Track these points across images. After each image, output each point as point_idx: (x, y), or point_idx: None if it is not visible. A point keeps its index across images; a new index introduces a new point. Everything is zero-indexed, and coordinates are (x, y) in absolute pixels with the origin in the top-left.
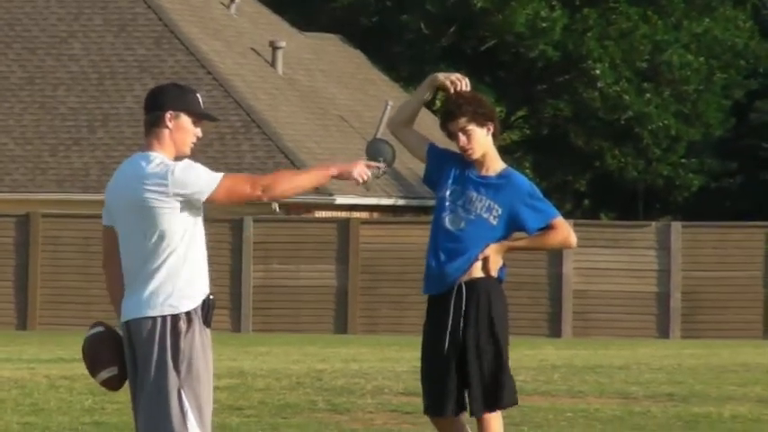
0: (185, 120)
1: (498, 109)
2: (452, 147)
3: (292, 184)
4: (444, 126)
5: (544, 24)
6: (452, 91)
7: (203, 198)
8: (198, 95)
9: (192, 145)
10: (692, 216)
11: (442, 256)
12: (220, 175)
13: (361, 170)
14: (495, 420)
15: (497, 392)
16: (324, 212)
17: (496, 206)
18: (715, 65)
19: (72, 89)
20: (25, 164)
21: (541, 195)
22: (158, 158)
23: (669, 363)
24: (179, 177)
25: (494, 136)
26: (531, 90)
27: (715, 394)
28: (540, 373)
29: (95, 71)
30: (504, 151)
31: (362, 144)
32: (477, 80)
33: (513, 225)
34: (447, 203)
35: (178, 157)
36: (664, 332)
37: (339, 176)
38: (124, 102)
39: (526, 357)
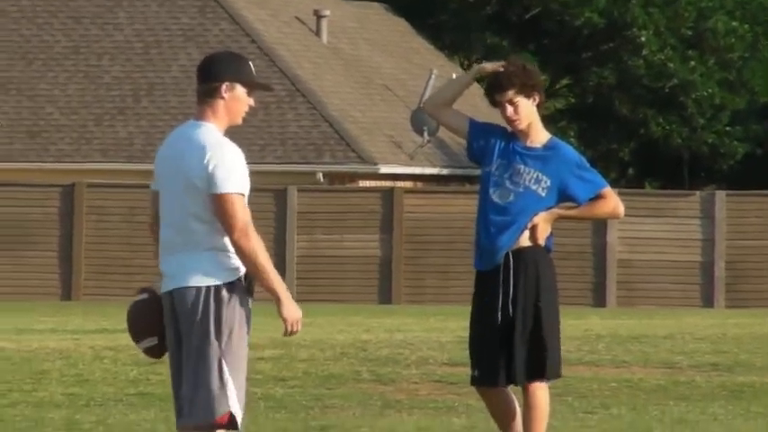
0: (240, 90)
1: (543, 77)
2: (493, 118)
3: (260, 259)
4: (490, 95)
5: None
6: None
7: (213, 191)
8: (250, 64)
9: (245, 114)
10: (738, 184)
11: (492, 230)
12: (241, 189)
13: (295, 324)
14: (540, 391)
15: (542, 363)
16: (368, 182)
17: (545, 177)
18: (760, 31)
19: (117, 58)
20: (70, 134)
21: (589, 165)
22: (211, 131)
23: (713, 332)
24: (216, 159)
25: (538, 106)
26: (576, 58)
27: (760, 363)
28: (585, 342)
29: (140, 40)
30: (548, 120)
31: (407, 113)
32: (521, 48)
33: (562, 196)
34: (494, 178)
35: (230, 126)
36: (708, 301)
37: (279, 311)
38: (169, 71)
39: (571, 327)
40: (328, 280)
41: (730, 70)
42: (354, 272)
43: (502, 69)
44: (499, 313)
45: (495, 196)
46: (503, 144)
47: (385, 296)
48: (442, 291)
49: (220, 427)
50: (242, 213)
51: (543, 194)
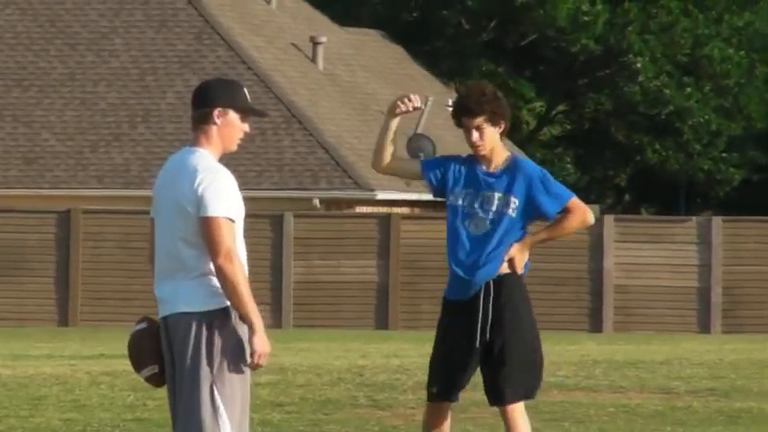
0: (233, 116)
1: (539, 103)
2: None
3: (240, 286)
4: (458, 119)
5: (586, 18)
6: (404, 110)
7: (201, 214)
8: (245, 90)
9: (240, 140)
10: (734, 210)
11: (471, 262)
12: (229, 214)
13: (263, 357)
14: (517, 412)
15: (519, 384)
16: (365, 208)
17: (513, 198)
18: (756, 58)
19: (113, 85)
20: (66, 160)
21: (552, 178)
22: (205, 157)
23: (710, 358)
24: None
25: (501, 134)
26: (572, 84)
27: (757, 389)
28: (582, 368)
29: (136, 67)
30: (544, 146)
31: (403, 139)
32: (517, 75)
33: (531, 213)
34: (464, 210)
35: (226, 153)
36: (705, 327)
37: (251, 340)
38: (165, 98)
39: (568, 352)
40: (325, 306)
41: (726, 97)
42: (351, 297)
43: (403, 98)
44: (477, 340)
45: (470, 228)
46: (464, 171)
47: (382, 322)
48: (438, 316)
49: None
50: (227, 238)
51: (514, 215)
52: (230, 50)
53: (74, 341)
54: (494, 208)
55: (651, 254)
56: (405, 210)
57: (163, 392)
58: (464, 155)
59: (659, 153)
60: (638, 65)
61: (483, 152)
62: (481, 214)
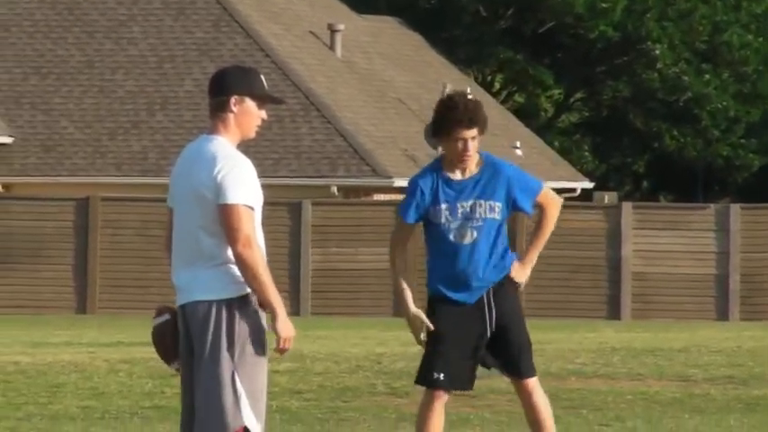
0: (250, 104)
1: (557, 91)
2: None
3: (260, 272)
4: (449, 131)
5: (604, 5)
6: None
7: (221, 201)
8: (262, 77)
9: (257, 128)
10: (752, 197)
11: (470, 273)
12: (248, 201)
13: (288, 342)
14: (539, 386)
15: (531, 361)
16: (382, 195)
17: (495, 203)
18: None
19: (131, 73)
20: (85, 148)
21: (520, 169)
22: (222, 144)
23: (728, 345)
24: (225, 171)
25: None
26: (590, 71)
27: None
28: (600, 355)
29: (154, 54)
30: (562, 133)
31: (420, 127)
32: (535, 62)
33: (510, 209)
34: (451, 225)
35: (243, 140)
36: (723, 314)
37: (274, 325)
38: (183, 85)
39: (586, 340)
40: (343, 293)
41: (745, 83)
42: (369, 285)
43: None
44: (488, 330)
45: (458, 239)
46: (436, 186)
47: (399, 309)
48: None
49: None
50: (246, 225)
51: (499, 218)
52: (248, 38)
53: (92, 329)
54: (480, 215)
55: (669, 241)
56: None
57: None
58: (428, 168)
59: (677, 140)
60: (657, 52)
61: (468, 163)
62: (469, 223)
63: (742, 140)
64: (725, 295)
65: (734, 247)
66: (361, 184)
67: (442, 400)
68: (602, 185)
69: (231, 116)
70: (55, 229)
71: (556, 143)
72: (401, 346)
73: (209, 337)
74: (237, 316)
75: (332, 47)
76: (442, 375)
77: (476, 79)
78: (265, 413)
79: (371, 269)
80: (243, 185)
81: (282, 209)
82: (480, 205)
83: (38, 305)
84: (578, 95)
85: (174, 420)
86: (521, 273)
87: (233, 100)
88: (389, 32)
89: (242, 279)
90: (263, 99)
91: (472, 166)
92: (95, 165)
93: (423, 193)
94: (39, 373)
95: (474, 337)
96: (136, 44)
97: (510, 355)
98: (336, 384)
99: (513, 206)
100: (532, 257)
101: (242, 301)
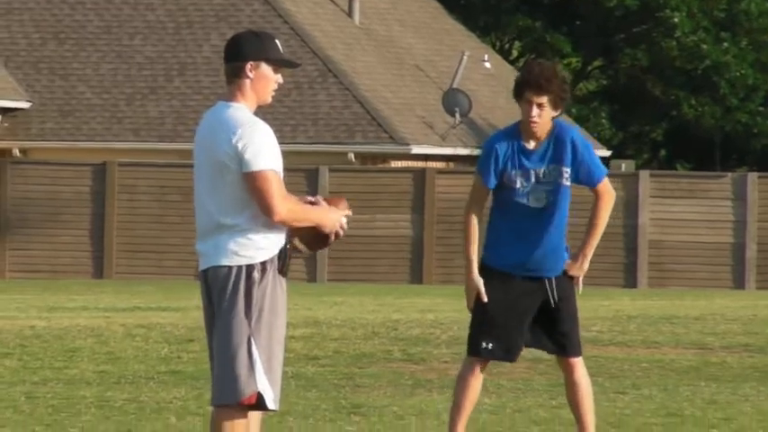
0: (266, 69)
1: (575, 59)
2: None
3: (302, 218)
4: (522, 92)
5: None
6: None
7: (245, 170)
8: (277, 41)
9: (273, 92)
10: None
11: (532, 240)
12: (271, 165)
13: (336, 225)
14: (583, 364)
15: (578, 341)
16: (399, 162)
17: (564, 168)
18: None
19: (148, 38)
20: (102, 113)
21: (591, 148)
22: (241, 110)
23: (744, 313)
24: (246, 138)
25: (554, 117)
26: (609, 40)
27: None
28: (616, 323)
29: (172, 20)
30: (580, 101)
31: (438, 94)
32: (553, 30)
33: (579, 178)
34: (523, 191)
35: (260, 106)
36: (739, 283)
37: (322, 228)
38: (201, 51)
39: (602, 308)
40: (360, 260)
41: (763, 52)
42: (386, 252)
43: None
44: (552, 300)
45: (531, 202)
46: (510, 152)
47: (416, 276)
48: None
49: (249, 406)
50: (275, 190)
51: (568, 183)
52: (266, 4)
53: (109, 293)
54: (549, 179)
55: (686, 209)
56: (439, 164)
57: (195, 345)
58: (505, 131)
59: (695, 109)
60: (675, 20)
61: (536, 129)
62: (539, 188)
63: (760, 108)
64: (741, 264)
65: (751, 215)
66: (379, 151)
67: (482, 368)
68: (619, 154)
69: (247, 82)
70: (72, 194)
71: (573, 111)
72: (417, 313)
73: (227, 302)
74: (256, 282)
75: (350, 13)
76: (490, 345)
77: (494, 47)
78: (281, 380)
79: (388, 236)
80: (266, 151)
81: (300, 175)
82: (551, 171)
83: (55, 270)
84: (596, 64)
85: (189, 385)
86: (577, 268)
87: (249, 66)
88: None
89: (262, 245)
90: (278, 63)
91: (542, 134)
92: (112, 130)
93: (498, 156)
94: (55, 337)
95: (524, 310)
96: (154, 10)
97: (559, 332)
98: (352, 350)
99: (583, 174)
100: (588, 253)
101: (262, 267)
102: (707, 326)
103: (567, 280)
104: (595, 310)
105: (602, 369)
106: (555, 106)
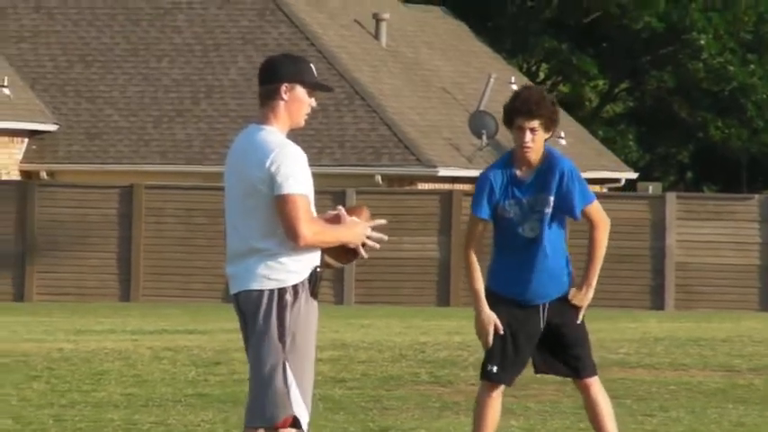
0: (300, 91)
1: (601, 81)
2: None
3: (328, 240)
4: (512, 119)
5: None
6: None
7: (276, 192)
8: (311, 66)
9: (307, 116)
10: None
11: (530, 268)
12: (300, 189)
13: (360, 239)
14: (598, 384)
15: (591, 360)
16: (426, 184)
17: (549, 197)
18: None
19: (176, 61)
20: (129, 135)
21: (579, 173)
22: (273, 134)
23: None
24: (278, 161)
25: (546, 140)
26: (635, 62)
27: None
28: (643, 345)
29: (199, 43)
30: (607, 123)
31: (465, 116)
32: (580, 52)
33: (561, 206)
34: (518, 219)
35: (293, 129)
36: (767, 305)
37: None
38: (228, 74)
39: (629, 330)
40: (386, 282)
41: None
42: (413, 274)
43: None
44: (541, 324)
45: (526, 232)
46: (504, 181)
47: (443, 298)
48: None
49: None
50: (303, 213)
51: (547, 210)
52: (293, 27)
53: (135, 316)
54: (537, 208)
55: (713, 231)
56: (466, 186)
57: (223, 368)
58: (499, 161)
59: (721, 131)
60: (702, 42)
61: (529, 154)
62: (532, 217)
63: None
64: None
65: None
66: (406, 173)
67: (498, 391)
68: (646, 176)
69: (282, 104)
70: (99, 217)
71: (600, 133)
72: (445, 335)
73: (261, 326)
74: (289, 305)
75: (377, 36)
76: (495, 368)
77: (520, 69)
78: (311, 405)
79: (415, 257)
80: (296, 175)
81: (327, 197)
82: (540, 200)
83: (82, 293)
84: (623, 86)
85: (217, 408)
86: (582, 297)
87: (284, 87)
88: (434, 22)
89: (293, 268)
90: (313, 87)
91: (534, 159)
92: (140, 153)
93: (493, 188)
94: (82, 360)
95: (529, 335)
96: (181, 32)
97: (570, 355)
98: (380, 373)
99: (564, 203)
100: (591, 282)
101: (294, 291)
102: (734, 348)
103: (569, 303)
104: (622, 332)
105: (629, 391)
106: (546, 129)
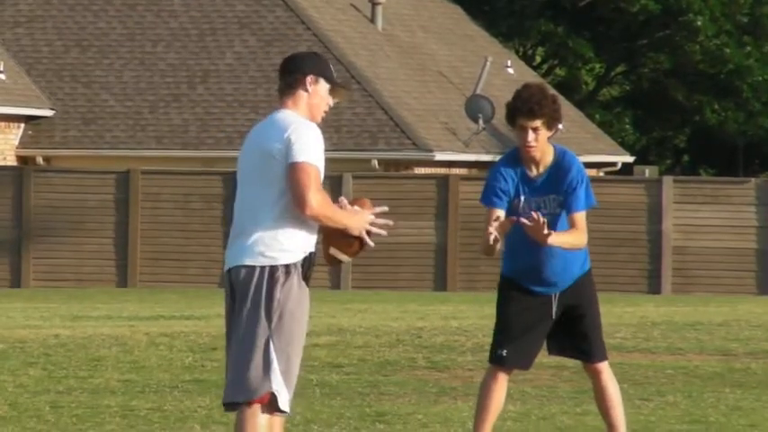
0: (323, 86)
1: (598, 64)
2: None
3: (333, 219)
4: (515, 119)
5: None
6: (493, 239)
7: (290, 160)
8: (332, 66)
9: (324, 114)
10: None
11: (541, 268)
12: (313, 159)
13: (362, 229)
14: (609, 370)
15: (602, 345)
16: (423, 169)
17: (558, 197)
18: None
19: (171, 45)
20: (126, 120)
21: (587, 183)
22: (293, 115)
23: None
24: (297, 132)
25: (549, 138)
26: (631, 45)
27: None
28: (640, 330)
29: (195, 27)
30: (603, 106)
31: (462, 100)
32: (576, 35)
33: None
34: (525, 215)
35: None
36: (763, 289)
37: (350, 232)
38: (224, 58)
39: (626, 314)
40: (383, 267)
41: None
42: (409, 259)
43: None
44: (554, 312)
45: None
46: (516, 178)
47: (440, 283)
48: (497, 278)
49: (262, 406)
50: (314, 182)
51: (559, 212)
52: (289, 11)
53: (132, 302)
54: (548, 210)
55: (710, 215)
56: (463, 170)
57: (219, 354)
58: (507, 157)
59: (718, 114)
60: (698, 24)
61: (534, 153)
62: (546, 215)
63: None
64: (765, 269)
65: None
66: (402, 158)
67: (504, 375)
68: (642, 159)
69: (305, 95)
70: (96, 203)
71: (597, 116)
72: (442, 320)
73: (249, 302)
74: (279, 283)
75: (373, 20)
76: (505, 352)
77: (517, 52)
78: (295, 384)
79: (412, 242)
80: (312, 146)
81: (324, 182)
82: (552, 200)
83: (79, 278)
84: (619, 69)
85: (214, 394)
86: (549, 236)
87: (309, 79)
88: (430, 5)
89: (288, 248)
90: (336, 84)
91: (543, 158)
92: (136, 138)
93: (506, 180)
94: (79, 346)
95: (540, 321)
96: (177, 17)
97: (581, 338)
98: (377, 358)
99: (565, 199)
100: (555, 238)
101: (286, 270)
102: (731, 332)
103: (584, 288)
104: (619, 316)
105: (626, 376)
106: (549, 127)
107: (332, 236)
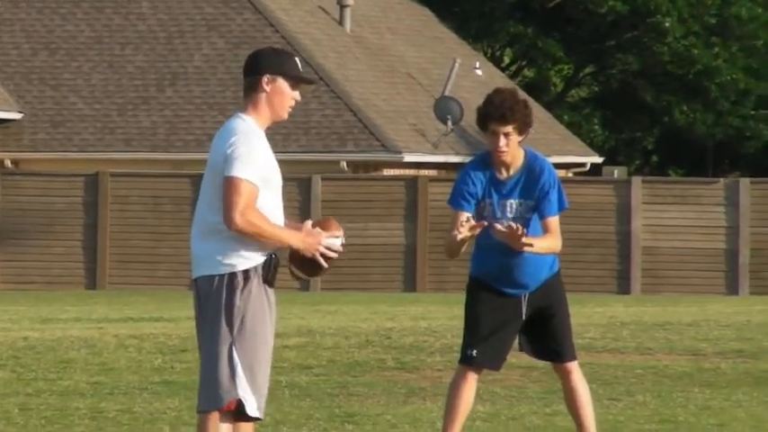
0: (282, 84)
1: (567, 65)
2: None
3: (265, 232)
4: (486, 124)
5: None
6: (464, 235)
7: (225, 174)
8: (296, 59)
9: (290, 109)
10: (763, 171)
11: (510, 271)
12: (246, 175)
13: (314, 248)
14: (578, 370)
15: (571, 345)
16: (392, 170)
17: (530, 202)
18: None
19: (140, 48)
20: (94, 123)
21: (560, 186)
22: (246, 122)
23: (738, 319)
24: (235, 145)
25: (520, 142)
26: (600, 46)
27: None
28: (610, 330)
29: (163, 30)
30: (572, 107)
31: (430, 102)
32: (545, 36)
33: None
34: (491, 217)
35: (276, 121)
36: (732, 289)
37: (298, 252)
38: (192, 60)
39: (595, 314)
40: (353, 269)
41: (754, 56)
42: (378, 260)
43: (460, 228)
44: (524, 313)
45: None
46: (484, 181)
47: (409, 284)
48: (466, 278)
49: (230, 414)
50: (241, 199)
51: (529, 216)
52: (257, 13)
53: (101, 304)
54: (515, 214)
55: (679, 215)
56: (432, 172)
57: (188, 356)
58: (477, 160)
59: (687, 115)
60: (666, 25)
61: (505, 158)
62: (515, 219)
63: (752, 113)
64: (734, 269)
65: (743, 221)
66: (371, 159)
67: (474, 375)
68: (611, 160)
69: (263, 96)
70: (64, 205)
71: (565, 117)
72: (411, 321)
73: (210, 311)
74: (238, 290)
75: (341, 22)
76: (474, 352)
77: (485, 54)
78: (267, 387)
79: (381, 244)
80: (246, 161)
81: (292, 184)
82: (521, 204)
83: (47, 281)
84: (588, 70)
85: (183, 395)
86: (529, 239)
87: (265, 79)
88: (399, 7)
89: (245, 254)
90: (295, 79)
91: (513, 162)
92: (104, 140)
93: (474, 183)
94: (48, 348)
95: (510, 322)
96: (145, 19)
97: (551, 339)
98: (346, 359)
99: (537, 204)
100: (536, 245)
101: (244, 276)
102: (700, 332)
103: (554, 289)
104: (589, 316)
105: (595, 376)
106: (521, 132)
107: (292, 254)
